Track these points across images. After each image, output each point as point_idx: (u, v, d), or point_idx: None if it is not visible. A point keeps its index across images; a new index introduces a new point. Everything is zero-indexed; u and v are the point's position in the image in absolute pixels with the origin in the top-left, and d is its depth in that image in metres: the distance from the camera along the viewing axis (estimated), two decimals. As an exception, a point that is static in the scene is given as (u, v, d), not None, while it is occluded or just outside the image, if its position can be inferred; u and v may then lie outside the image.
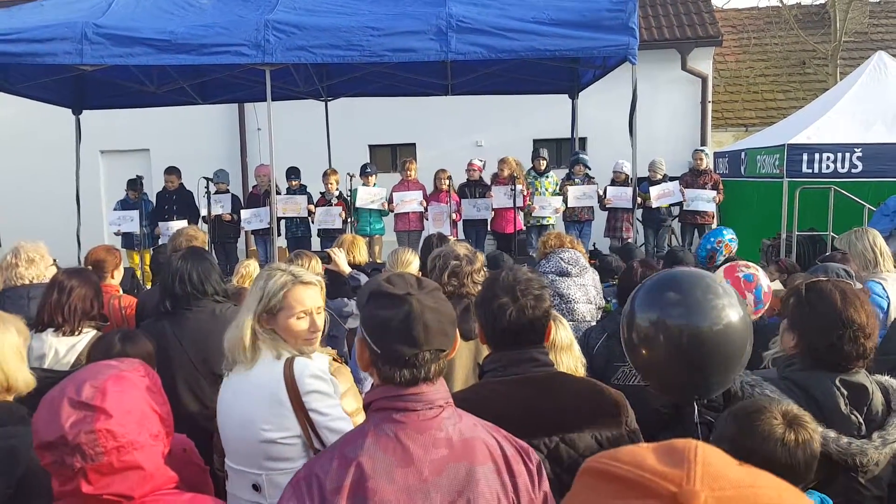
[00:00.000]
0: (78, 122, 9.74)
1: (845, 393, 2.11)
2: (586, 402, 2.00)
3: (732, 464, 0.77)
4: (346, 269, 4.82)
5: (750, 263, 4.14)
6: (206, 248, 4.79)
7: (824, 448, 1.97)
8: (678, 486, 0.73)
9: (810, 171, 9.30)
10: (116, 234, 9.69)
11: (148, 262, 9.85)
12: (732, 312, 2.02)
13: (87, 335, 3.43)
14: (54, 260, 4.72)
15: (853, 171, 9.18)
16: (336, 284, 4.55)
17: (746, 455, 1.90)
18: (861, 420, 2.10)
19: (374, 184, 9.80)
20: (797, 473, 1.80)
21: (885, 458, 2.08)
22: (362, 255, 5.40)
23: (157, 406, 1.58)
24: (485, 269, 3.33)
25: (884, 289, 3.94)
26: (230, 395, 2.32)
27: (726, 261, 5.73)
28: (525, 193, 9.33)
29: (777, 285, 4.41)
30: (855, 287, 2.33)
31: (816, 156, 9.25)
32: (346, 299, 4.48)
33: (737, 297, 2.09)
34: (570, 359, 2.77)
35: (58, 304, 3.40)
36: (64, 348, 3.36)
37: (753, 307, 4.03)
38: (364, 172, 9.74)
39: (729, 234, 6.59)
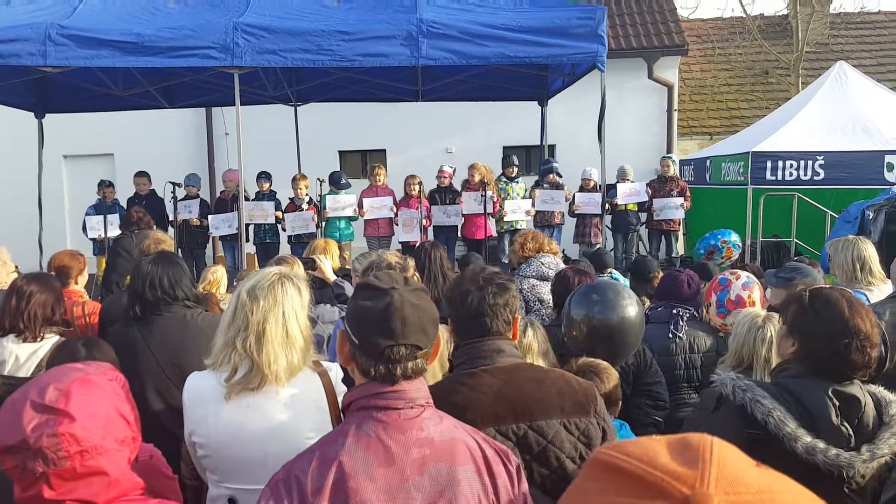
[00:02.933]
0: (41, 125, 9.55)
1: (837, 404, 2.06)
2: (555, 392, 2.01)
3: (749, 465, 0.73)
4: (332, 277, 4.77)
5: (741, 273, 4.10)
6: (175, 253, 4.70)
7: (811, 458, 1.98)
8: (691, 489, 0.68)
9: (774, 178, 9.48)
10: (95, 239, 9.49)
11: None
12: (631, 309, 3.11)
13: (50, 341, 3.35)
14: (16, 266, 4.62)
15: (815, 178, 9.38)
16: (316, 290, 4.51)
17: None
18: (851, 432, 2.05)
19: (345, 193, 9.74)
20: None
21: (871, 471, 2.03)
22: (335, 261, 5.35)
23: (125, 410, 1.54)
24: (416, 276, 3.40)
25: (867, 300, 3.83)
26: (253, 413, 2.14)
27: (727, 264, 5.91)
28: (495, 200, 9.37)
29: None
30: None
31: (780, 163, 9.44)
32: (327, 305, 4.44)
33: (636, 299, 3.19)
34: (545, 365, 2.78)
35: (17, 311, 3.32)
36: (25, 354, 3.28)
37: (716, 308, 4.04)
38: (339, 185, 9.66)
39: (734, 238, 6.62)
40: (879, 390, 2.16)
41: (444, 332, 2.43)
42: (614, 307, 3.09)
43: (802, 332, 2.16)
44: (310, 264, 4.63)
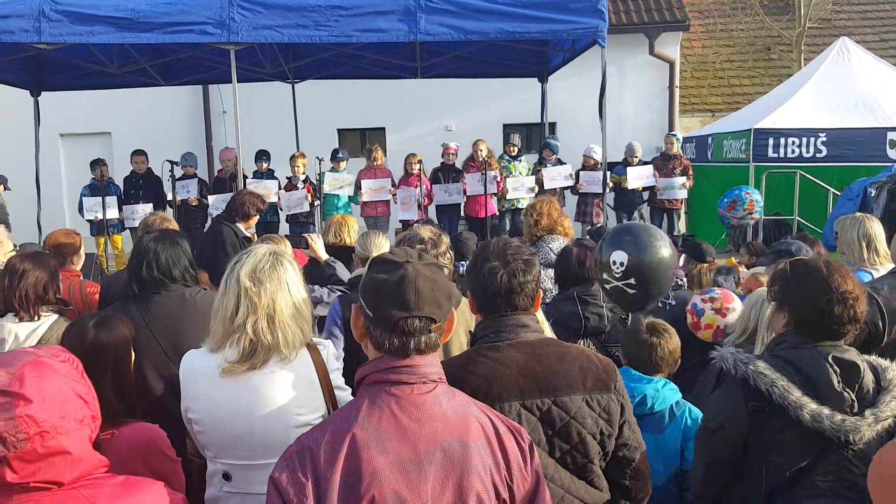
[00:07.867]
0: (36, 104, 9.46)
1: (837, 370, 2.13)
2: (577, 367, 2.02)
3: None
4: (323, 256, 4.72)
5: (734, 297, 3.78)
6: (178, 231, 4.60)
7: (818, 425, 2.07)
8: None
9: (776, 155, 9.44)
10: (92, 221, 9.45)
11: (118, 247, 9.75)
12: (664, 250, 3.14)
13: (48, 319, 3.33)
14: (15, 246, 4.58)
15: (818, 155, 9.34)
16: (309, 269, 4.46)
17: (630, 356, 2.97)
18: (853, 397, 2.12)
19: (344, 169, 9.69)
20: (658, 364, 2.90)
21: (873, 436, 2.11)
22: (352, 236, 5.19)
23: (80, 390, 1.54)
24: (450, 252, 3.33)
25: (872, 278, 3.83)
26: (245, 389, 2.15)
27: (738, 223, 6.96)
28: (499, 179, 9.32)
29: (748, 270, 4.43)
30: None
31: (782, 140, 9.39)
32: (315, 286, 4.39)
33: (668, 240, 3.19)
34: None
35: (10, 290, 3.30)
36: (24, 333, 3.26)
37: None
38: (335, 158, 9.62)
39: (756, 195, 7.02)
40: (874, 358, 2.25)
41: (465, 306, 2.42)
42: (647, 248, 3.12)
43: (790, 301, 2.27)
44: (302, 243, 4.58)
